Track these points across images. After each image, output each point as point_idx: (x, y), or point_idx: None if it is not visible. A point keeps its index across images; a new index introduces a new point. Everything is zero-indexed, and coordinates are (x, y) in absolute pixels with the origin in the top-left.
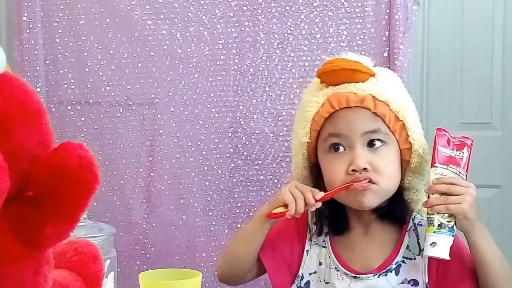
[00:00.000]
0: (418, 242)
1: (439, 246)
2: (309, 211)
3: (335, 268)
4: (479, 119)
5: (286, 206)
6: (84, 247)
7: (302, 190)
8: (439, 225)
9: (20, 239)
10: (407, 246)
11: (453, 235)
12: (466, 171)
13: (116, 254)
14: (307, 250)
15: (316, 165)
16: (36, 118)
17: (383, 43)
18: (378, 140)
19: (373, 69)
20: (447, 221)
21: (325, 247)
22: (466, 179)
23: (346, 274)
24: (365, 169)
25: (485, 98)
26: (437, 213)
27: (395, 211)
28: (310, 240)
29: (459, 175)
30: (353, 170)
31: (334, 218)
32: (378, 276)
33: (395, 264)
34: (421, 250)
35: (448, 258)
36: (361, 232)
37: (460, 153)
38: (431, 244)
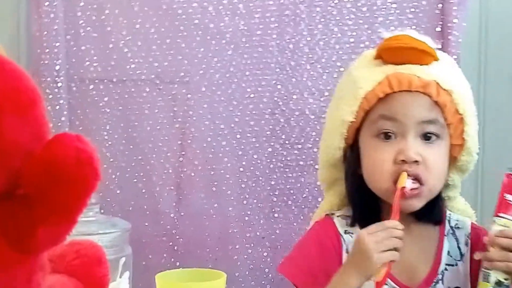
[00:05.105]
0: (458, 247)
1: None
2: (335, 216)
3: None
4: None
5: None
6: (87, 249)
7: (381, 235)
8: (496, 283)
9: (10, 242)
10: (448, 252)
11: None
12: None
13: (131, 251)
14: None
15: (351, 148)
16: (30, 108)
17: (436, 16)
18: (434, 134)
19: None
20: (504, 279)
21: None
22: None
23: None
24: (416, 161)
25: None
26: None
27: (435, 210)
28: (347, 251)
29: None
30: (402, 161)
31: (365, 208)
32: None
33: (441, 273)
34: (462, 255)
35: None
36: None
37: None
38: None
